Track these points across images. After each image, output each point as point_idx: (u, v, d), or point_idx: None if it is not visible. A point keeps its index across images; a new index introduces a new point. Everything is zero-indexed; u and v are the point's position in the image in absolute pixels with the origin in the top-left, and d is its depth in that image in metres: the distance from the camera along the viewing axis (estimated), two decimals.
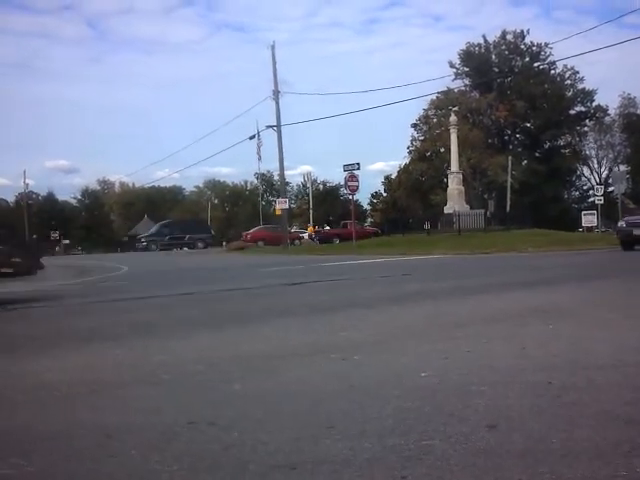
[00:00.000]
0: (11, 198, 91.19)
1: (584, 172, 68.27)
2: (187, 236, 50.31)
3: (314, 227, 54.63)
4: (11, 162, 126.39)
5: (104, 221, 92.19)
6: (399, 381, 3.47)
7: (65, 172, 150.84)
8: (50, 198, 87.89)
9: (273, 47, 36.14)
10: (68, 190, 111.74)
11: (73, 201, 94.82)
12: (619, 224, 21.27)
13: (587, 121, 65.13)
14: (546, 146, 64.44)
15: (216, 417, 2.91)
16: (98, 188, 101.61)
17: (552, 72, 63.13)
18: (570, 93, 63.78)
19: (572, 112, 64.35)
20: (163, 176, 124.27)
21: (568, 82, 63.90)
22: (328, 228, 52.52)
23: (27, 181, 76.67)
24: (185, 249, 47.18)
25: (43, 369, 4.15)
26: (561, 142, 65.25)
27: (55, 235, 69.87)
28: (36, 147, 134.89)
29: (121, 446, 2.58)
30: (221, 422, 2.84)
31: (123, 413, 3.08)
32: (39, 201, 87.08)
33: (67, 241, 73.45)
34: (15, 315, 7.99)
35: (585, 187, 68.39)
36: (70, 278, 16.51)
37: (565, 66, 61.73)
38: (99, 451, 2.54)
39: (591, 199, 54.59)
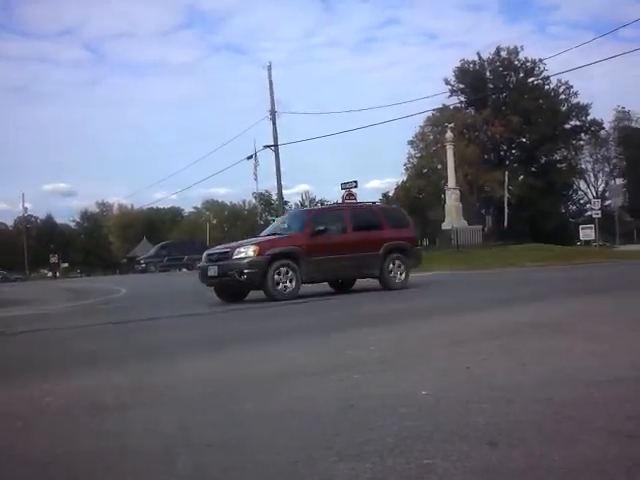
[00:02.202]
0: (10, 222, 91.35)
1: (581, 186, 68.52)
2: (185, 257, 50.17)
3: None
4: (9, 186, 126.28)
5: (103, 243, 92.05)
6: (400, 400, 3.46)
7: (63, 195, 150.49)
8: (49, 221, 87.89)
9: (269, 68, 36.37)
10: (67, 213, 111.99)
11: (72, 224, 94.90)
12: (203, 257, 13.00)
13: (582, 135, 65.37)
14: (542, 161, 64.58)
15: (216, 439, 2.90)
16: (97, 210, 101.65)
17: (546, 87, 63.46)
18: (565, 108, 64.05)
19: (567, 126, 64.59)
20: (161, 197, 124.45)
21: (562, 97, 64.20)
22: None
23: (25, 205, 76.86)
24: (184, 270, 47.12)
25: (44, 393, 4.13)
26: (557, 156, 65.40)
27: (54, 258, 69.94)
28: (34, 170, 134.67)
29: (119, 469, 2.57)
30: (221, 444, 2.83)
31: (122, 436, 3.07)
32: (38, 224, 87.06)
33: (66, 264, 73.54)
34: (16, 339, 7.96)
35: (582, 201, 68.56)
36: (69, 301, 16.47)
37: (559, 81, 62.12)
38: (99, 475, 2.53)
39: (588, 213, 54.73)
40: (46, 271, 73.76)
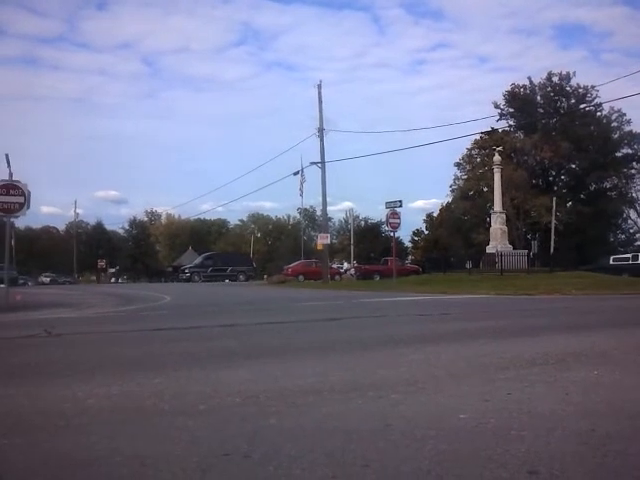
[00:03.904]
0: (61, 227, 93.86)
1: (631, 215, 66.89)
2: (229, 268, 50.90)
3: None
4: (63, 192, 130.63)
5: (150, 251, 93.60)
6: (437, 422, 3.42)
7: (114, 202, 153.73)
8: (99, 227, 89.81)
9: (320, 86, 36.79)
10: (116, 220, 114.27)
11: (121, 231, 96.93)
12: None
13: (634, 164, 63.94)
14: (592, 188, 63.41)
15: (251, 450, 2.91)
16: (145, 219, 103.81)
17: (598, 114, 62.42)
18: (617, 135, 62.82)
19: (618, 154, 63.28)
20: (208, 209, 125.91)
21: (615, 124, 63.02)
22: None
23: (77, 210, 79.12)
24: (227, 281, 47.66)
25: (86, 395, 4.21)
26: (607, 184, 64.09)
27: (102, 263, 71.62)
28: (87, 178, 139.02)
29: (156, 475, 2.60)
30: (256, 455, 2.84)
31: (160, 442, 3.11)
32: (88, 230, 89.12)
33: (113, 270, 75.26)
34: (60, 341, 8.14)
35: (632, 230, 66.91)
36: (114, 306, 16.78)
37: (612, 108, 61.04)
38: (135, 479, 2.56)
39: (638, 242, 53.33)
40: (93, 276, 75.83)
